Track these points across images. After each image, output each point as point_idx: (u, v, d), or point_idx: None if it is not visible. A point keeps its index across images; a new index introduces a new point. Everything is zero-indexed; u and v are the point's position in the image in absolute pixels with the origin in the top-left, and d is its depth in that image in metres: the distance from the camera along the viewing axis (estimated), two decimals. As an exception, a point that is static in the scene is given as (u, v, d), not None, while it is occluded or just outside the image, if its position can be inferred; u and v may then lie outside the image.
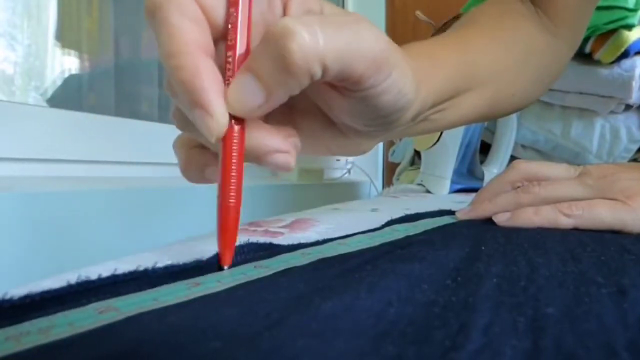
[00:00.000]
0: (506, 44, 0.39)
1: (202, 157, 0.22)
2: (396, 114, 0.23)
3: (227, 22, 0.18)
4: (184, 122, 0.20)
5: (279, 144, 0.20)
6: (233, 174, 0.18)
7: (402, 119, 0.25)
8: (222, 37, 0.19)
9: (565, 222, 0.31)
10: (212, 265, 0.20)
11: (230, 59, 0.18)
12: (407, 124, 0.26)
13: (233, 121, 0.18)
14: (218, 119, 0.17)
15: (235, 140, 0.18)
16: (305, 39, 0.17)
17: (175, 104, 0.20)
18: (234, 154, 0.18)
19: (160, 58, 0.18)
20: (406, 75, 0.22)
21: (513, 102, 0.41)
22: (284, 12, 0.20)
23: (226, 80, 0.18)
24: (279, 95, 0.18)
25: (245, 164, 0.19)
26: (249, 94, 0.18)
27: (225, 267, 0.19)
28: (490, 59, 0.36)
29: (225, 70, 0.18)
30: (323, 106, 0.24)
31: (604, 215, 0.30)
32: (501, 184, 0.37)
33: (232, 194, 0.19)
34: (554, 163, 0.37)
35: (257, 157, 0.20)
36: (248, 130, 0.19)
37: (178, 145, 0.23)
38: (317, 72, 0.18)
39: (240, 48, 0.18)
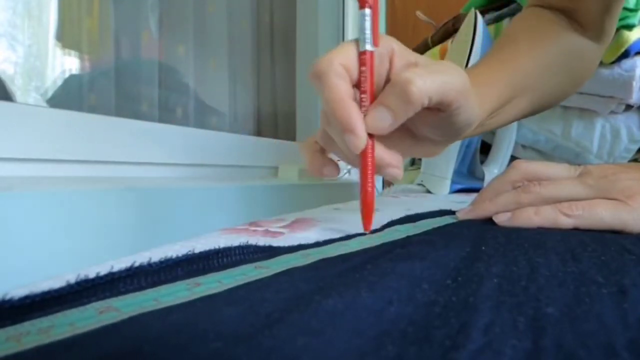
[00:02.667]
0: (544, 55, 0.46)
1: (323, 159, 0.32)
2: (465, 128, 0.32)
3: (359, 76, 0.28)
4: (329, 143, 0.31)
5: (395, 161, 0.29)
6: (370, 171, 0.28)
7: (468, 130, 0.33)
8: (356, 86, 0.28)
9: (566, 222, 0.31)
10: (205, 257, 0.21)
11: (364, 99, 0.28)
12: (469, 132, 0.35)
13: (368, 138, 0.28)
14: (361, 138, 0.27)
15: (369, 151, 0.28)
16: (419, 83, 0.26)
17: (324, 131, 0.30)
18: (369, 158, 0.28)
19: (323, 104, 0.28)
20: (475, 101, 0.32)
21: (549, 102, 0.50)
22: (390, 65, 0.29)
23: (363, 112, 0.28)
24: (401, 118, 0.28)
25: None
26: (382, 118, 0.27)
27: (367, 232, 0.29)
28: (531, 71, 0.44)
29: (361, 106, 0.28)
30: (412, 123, 0.32)
31: (605, 215, 0.30)
32: (502, 183, 0.37)
33: (370, 183, 0.29)
34: (555, 163, 0.37)
35: (380, 169, 0.29)
36: (377, 151, 0.28)
37: (305, 148, 0.33)
38: (425, 102, 0.27)
39: (369, 91, 0.28)
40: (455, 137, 0.34)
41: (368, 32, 0.28)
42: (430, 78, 0.27)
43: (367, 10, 0.28)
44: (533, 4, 0.52)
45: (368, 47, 0.28)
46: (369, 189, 0.29)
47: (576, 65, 0.50)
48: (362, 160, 0.29)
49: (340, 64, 0.27)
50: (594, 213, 0.31)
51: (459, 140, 0.38)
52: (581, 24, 0.49)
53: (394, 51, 0.29)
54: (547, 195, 0.33)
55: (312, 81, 0.28)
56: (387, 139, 0.30)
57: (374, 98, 0.28)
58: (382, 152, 0.29)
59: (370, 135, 0.28)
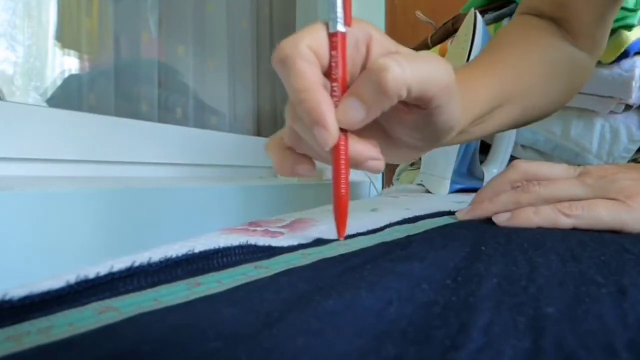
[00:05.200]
0: (533, 62, 0.44)
1: (293, 157, 0.28)
2: (445, 131, 0.30)
3: (330, 62, 0.25)
4: (297, 141, 0.27)
5: (374, 153, 0.26)
6: (342, 171, 0.25)
7: (448, 136, 0.31)
8: (327, 73, 0.25)
9: (565, 222, 0.31)
10: (205, 257, 0.21)
11: (335, 88, 0.25)
12: (449, 139, 0.32)
13: (341, 133, 0.24)
14: (332, 132, 0.24)
15: (342, 147, 0.25)
16: (396, 71, 0.23)
17: (291, 128, 0.27)
18: (342, 156, 0.25)
19: (289, 93, 0.24)
20: (459, 102, 0.29)
21: (539, 113, 0.47)
22: (367, 54, 0.26)
23: (334, 104, 0.24)
24: (375, 111, 0.25)
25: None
26: (354, 111, 0.24)
27: (341, 239, 0.27)
28: (519, 78, 0.42)
29: (332, 97, 0.24)
30: (387, 123, 0.30)
31: (604, 215, 0.30)
32: (501, 183, 0.37)
33: (343, 185, 0.26)
34: (554, 163, 0.37)
35: (359, 163, 0.26)
36: (352, 144, 0.25)
37: (271, 147, 0.30)
38: (404, 94, 0.24)
39: (341, 80, 0.25)
40: (433, 143, 0.31)
41: (339, 10, 0.24)
42: (411, 67, 0.24)
43: None
44: (524, 12, 0.51)
45: (340, 27, 0.24)
46: (342, 191, 0.26)
47: (567, 75, 0.48)
48: (334, 158, 0.25)
49: (307, 47, 0.24)
50: (594, 213, 0.31)
51: (437, 147, 0.34)
52: (572, 34, 0.47)
53: (371, 38, 0.26)
54: (546, 195, 0.33)
55: (276, 67, 0.25)
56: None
57: (346, 88, 0.25)
58: (358, 146, 0.26)
59: (343, 130, 0.25)
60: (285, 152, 0.29)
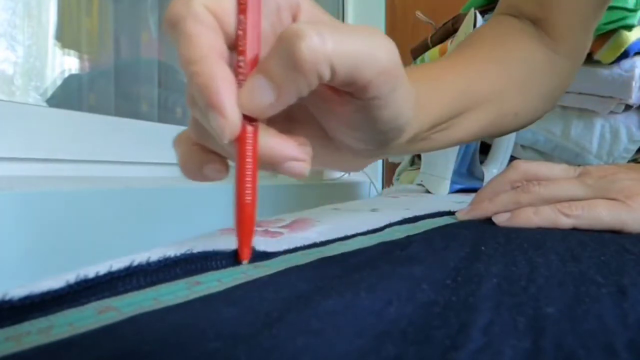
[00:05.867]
0: (507, 63, 0.39)
1: (201, 155, 0.22)
2: (392, 132, 0.24)
3: (237, 29, 0.20)
4: (201, 133, 0.21)
5: (295, 152, 0.20)
6: (248, 172, 0.19)
7: (398, 140, 0.26)
8: (234, 45, 0.20)
9: (565, 222, 0.31)
10: (203, 257, 0.20)
11: (241, 63, 0.19)
12: (402, 145, 0.27)
13: (247, 123, 0.19)
14: (231, 119, 0.18)
15: (249, 141, 0.19)
16: (313, 39, 0.18)
17: (193, 114, 0.21)
18: (249, 154, 0.19)
19: (180, 66, 0.19)
20: (408, 95, 0.23)
21: (516, 121, 0.41)
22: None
23: (239, 84, 0.19)
24: (289, 94, 0.19)
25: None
26: (261, 93, 0.19)
27: (244, 262, 0.20)
28: (490, 79, 0.37)
29: (237, 74, 0.19)
30: (322, 118, 0.25)
31: (604, 215, 0.30)
32: (501, 183, 0.37)
33: (248, 192, 0.20)
34: (554, 163, 0.37)
35: (274, 164, 0.21)
36: (266, 139, 0.20)
37: (178, 142, 0.24)
38: (325, 73, 0.19)
39: (250, 53, 0.19)
40: (380, 147, 0.25)
41: None
42: (335, 39, 0.18)
43: None
44: (502, 12, 0.46)
45: None
46: (247, 198, 0.20)
47: (546, 80, 0.43)
48: (237, 155, 0.19)
49: (204, 7, 0.19)
50: (594, 213, 0.31)
51: (389, 154, 0.29)
52: (552, 37, 0.43)
53: (299, 6, 0.21)
54: (546, 196, 0.33)
55: (167, 31, 0.20)
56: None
57: (257, 64, 0.20)
58: (274, 141, 0.20)
59: (251, 119, 0.19)
60: (192, 148, 0.23)
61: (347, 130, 0.24)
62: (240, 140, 0.19)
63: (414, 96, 0.24)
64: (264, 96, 0.19)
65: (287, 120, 0.25)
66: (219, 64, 0.18)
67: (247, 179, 0.19)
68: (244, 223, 0.20)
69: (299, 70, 0.18)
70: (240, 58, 0.19)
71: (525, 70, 0.41)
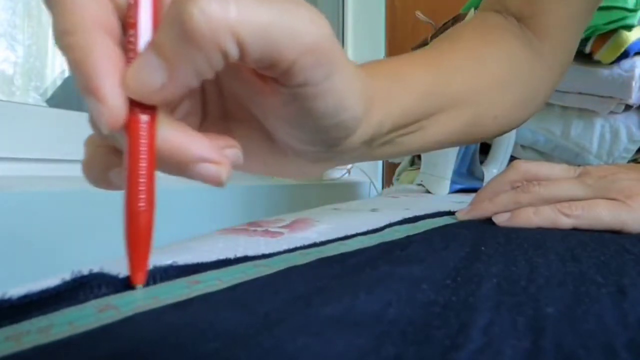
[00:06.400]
0: (487, 61, 0.36)
1: (106, 157, 0.19)
2: (336, 131, 0.21)
3: None
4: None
5: (207, 153, 0.17)
6: (142, 172, 0.16)
7: (349, 142, 0.22)
8: (125, 17, 0.16)
9: (565, 222, 0.31)
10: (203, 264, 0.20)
11: (132, 38, 0.16)
12: (359, 148, 0.24)
13: (139, 111, 0.16)
14: (110, 103, 0.15)
15: (142, 133, 0.16)
16: (211, 4, 0.14)
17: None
18: (142, 148, 0.16)
19: (54, 40, 0.16)
20: (351, 85, 0.20)
21: (495, 125, 0.38)
22: None
23: (128, 62, 0.16)
24: (184, 73, 0.15)
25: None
26: (150, 72, 0.15)
27: (139, 287, 0.16)
28: (467, 77, 0.33)
29: (127, 52, 0.16)
30: (258, 113, 0.21)
31: (604, 215, 0.30)
32: (501, 183, 0.37)
33: (141, 196, 0.16)
34: (554, 163, 0.37)
35: (180, 166, 0.17)
36: (167, 132, 0.16)
37: (86, 143, 0.20)
38: (231, 48, 0.15)
39: (145, 28, 0.16)
40: (330, 150, 0.22)
41: None
42: (240, 5, 0.15)
43: None
44: (486, 9, 0.43)
45: None
46: (141, 204, 0.16)
47: (529, 83, 0.39)
48: (128, 150, 0.16)
49: None
50: (593, 213, 0.31)
51: (344, 160, 0.26)
52: (539, 35, 0.40)
53: None
54: (546, 195, 0.33)
55: (44, 2, 0.16)
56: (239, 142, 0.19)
57: None
58: (183, 136, 0.17)
59: (147, 107, 0.16)
60: (97, 150, 0.19)
61: (285, 127, 0.21)
62: (130, 131, 0.16)
63: (362, 88, 0.21)
64: (153, 76, 0.15)
65: (224, 119, 0.22)
66: (100, 36, 0.15)
67: (141, 180, 0.16)
68: (137, 237, 0.16)
69: (193, 43, 0.15)
70: (131, 32, 0.16)
71: (506, 69, 0.37)
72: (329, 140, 0.22)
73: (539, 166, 0.36)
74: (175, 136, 0.17)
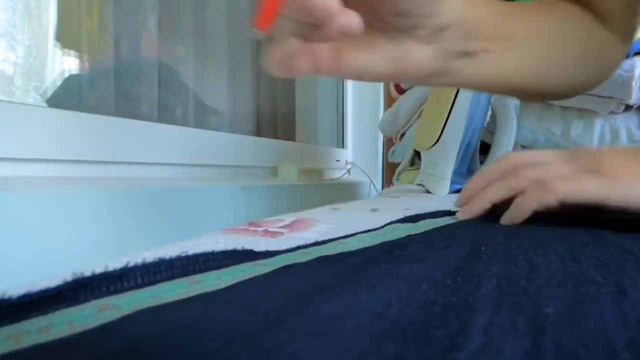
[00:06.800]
0: (569, 29, 0.40)
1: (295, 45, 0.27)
2: (422, 7, 0.28)
3: None
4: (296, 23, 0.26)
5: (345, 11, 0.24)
6: None
7: (433, 16, 0.29)
8: None
9: (551, 198, 0.31)
10: (203, 261, 0.20)
11: None
12: (444, 43, 0.31)
13: None
14: None
15: None
16: None
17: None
18: None
19: None
20: None
21: (561, 80, 0.42)
22: None
23: None
24: None
25: None
26: None
27: (256, 30, 0.22)
28: (554, 35, 0.38)
29: None
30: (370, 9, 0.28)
31: (588, 189, 0.31)
32: (492, 173, 0.37)
33: None
34: (545, 151, 0.37)
35: (328, 17, 0.24)
36: None
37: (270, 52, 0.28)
38: None
39: None
40: (423, 25, 0.29)
41: None
42: None
43: None
44: None
45: None
46: None
47: (600, 57, 0.45)
48: None
49: None
50: (578, 186, 0.31)
51: (434, 61, 0.32)
52: (603, 19, 0.44)
53: None
54: (535, 177, 0.33)
55: None
56: (360, 45, 0.28)
57: None
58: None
59: None
60: (286, 41, 0.27)
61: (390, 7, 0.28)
62: None
63: None
64: None
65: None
66: None
67: None
68: None
69: None
70: None
71: (585, 44, 0.42)
72: (424, 10, 0.29)
73: (529, 154, 0.36)
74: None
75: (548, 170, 0.33)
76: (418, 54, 0.31)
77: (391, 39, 0.30)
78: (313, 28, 0.26)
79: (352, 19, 0.24)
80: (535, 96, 0.44)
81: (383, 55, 0.30)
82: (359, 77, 0.31)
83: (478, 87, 0.38)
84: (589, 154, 0.34)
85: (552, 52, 0.39)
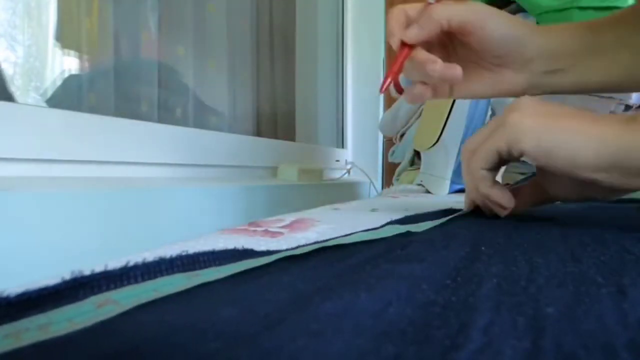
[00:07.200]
0: None
1: (417, 85, 0.42)
2: (504, 42, 0.40)
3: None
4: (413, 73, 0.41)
5: (431, 58, 0.38)
6: (399, 59, 0.40)
7: (522, 55, 0.40)
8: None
9: (484, 174, 0.35)
10: (200, 258, 0.20)
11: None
12: (530, 67, 0.41)
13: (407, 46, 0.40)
14: (394, 41, 0.40)
15: (403, 51, 0.40)
16: (438, 8, 0.39)
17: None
18: (401, 53, 0.40)
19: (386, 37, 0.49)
20: (504, 20, 0.40)
21: None
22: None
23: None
24: (425, 30, 0.39)
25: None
26: (412, 29, 0.40)
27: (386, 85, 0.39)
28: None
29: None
30: (472, 53, 0.42)
31: (495, 144, 0.32)
32: (465, 172, 0.39)
33: (395, 65, 0.40)
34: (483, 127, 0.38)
35: (420, 65, 0.39)
36: (419, 52, 0.40)
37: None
38: (445, 24, 0.39)
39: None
40: (510, 61, 0.40)
41: None
42: (448, 7, 0.38)
43: None
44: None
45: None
46: (394, 68, 0.40)
47: None
48: (399, 52, 0.40)
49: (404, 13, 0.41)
50: (488, 152, 0.33)
51: (532, 85, 0.41)
52: None
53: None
54: (473, 171, 0.36)
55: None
56: (468, 77, 0.40)
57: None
58: (421, 53, 0.39)
59: (407, 45, 0.40)
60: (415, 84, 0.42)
61: (481, 51, 0.41)
62: (399, 50, 0.40)
63: (508, 23, 0.40)
64: (413, 30, 0.39)
65: (456, 60, 0.42)
66: (398, 27, 0.40)
67: (397, 60, 0.40)
68: (390, 70, 0.40)
69: (431, 21, 0.39)
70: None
71: None
72: (504, 50, 0.41)
73: (471, 140, 0.37)
74: (422, 53, 0.39)
75: (478, 160, 0.35)
76: (513, 79, 0.41)
77: (491, 70, 0.42)
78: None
79: (455, 72, 0.37)
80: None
81: (485, 82, 0.42)
82: (468, 98, 0.46)
83: (571, 92, 0.44)
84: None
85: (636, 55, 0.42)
